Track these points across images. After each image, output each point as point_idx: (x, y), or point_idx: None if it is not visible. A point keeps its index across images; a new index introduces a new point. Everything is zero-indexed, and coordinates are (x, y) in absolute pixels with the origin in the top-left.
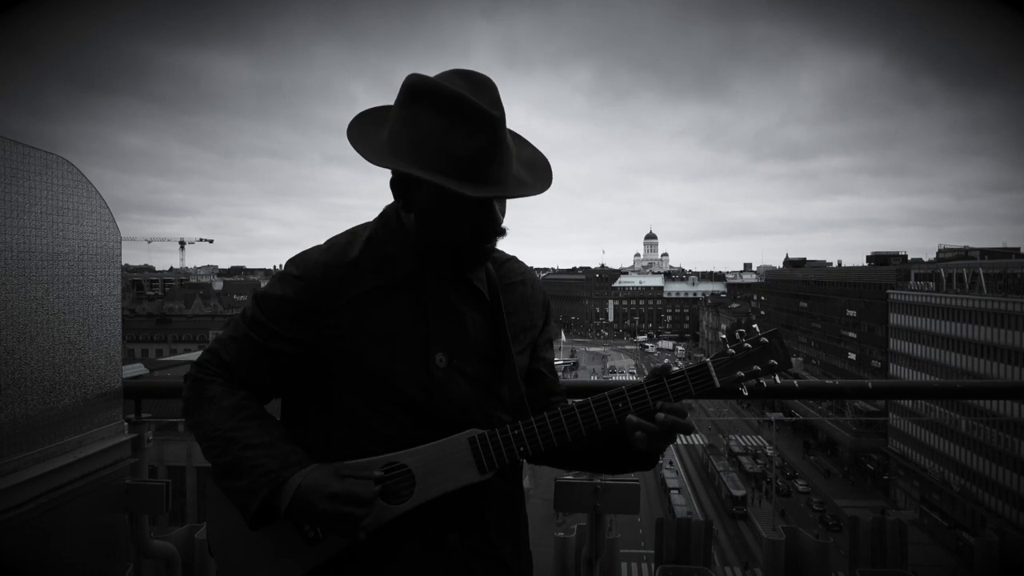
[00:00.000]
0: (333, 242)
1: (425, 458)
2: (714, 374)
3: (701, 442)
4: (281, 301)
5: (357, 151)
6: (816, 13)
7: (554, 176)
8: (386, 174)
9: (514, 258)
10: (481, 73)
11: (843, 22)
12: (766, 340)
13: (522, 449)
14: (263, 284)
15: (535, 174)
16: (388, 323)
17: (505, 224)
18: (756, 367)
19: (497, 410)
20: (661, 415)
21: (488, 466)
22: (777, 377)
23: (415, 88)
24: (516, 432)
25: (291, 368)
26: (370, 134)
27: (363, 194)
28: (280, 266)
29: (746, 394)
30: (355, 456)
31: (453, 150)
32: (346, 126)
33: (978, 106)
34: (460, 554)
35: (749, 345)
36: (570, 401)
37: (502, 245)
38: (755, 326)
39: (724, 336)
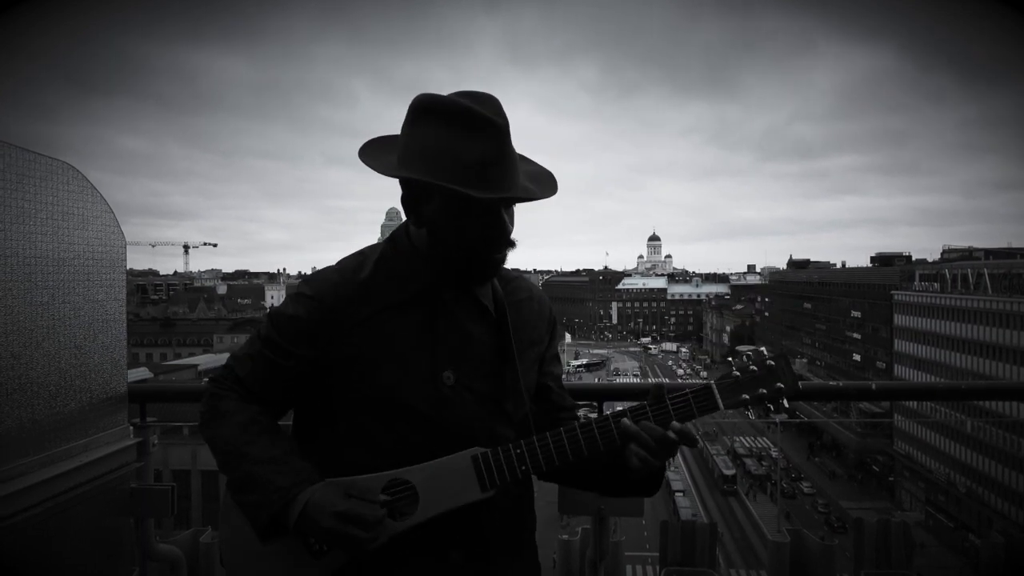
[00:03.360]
0: (344, 263)
1: (429, 475)
2: (718, 396)
3: (699, 441)
4: (293, 320)
5: (368, 165)
6: (828, 5)
7: (556, 175)
8: (388, 176)
9: (521, 276)
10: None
11: (856, 14)
12: (772, 363)
13: (523, 468)
14: (268, 291)
15: (540, 185)
16: (397, 342)
17: (515, 236)
18: (762, 390)
19: (503, 426)
20: (659, 432)
21: (490, 484)
22: (785, 402)
23: (421, 106)
24: (519, 451)
25: (303, 385)
26: (380, 153)
27: (364, 196)
28: (283, 269)
29: (753, 416)
30: (363, 471)
31: (460, 158)
32: (347, 125)
33: (992, 102)
34: (462, 572)
35: (755, 368)
36: (578, 417)
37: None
38: (762, 349)
39: (730, 359)
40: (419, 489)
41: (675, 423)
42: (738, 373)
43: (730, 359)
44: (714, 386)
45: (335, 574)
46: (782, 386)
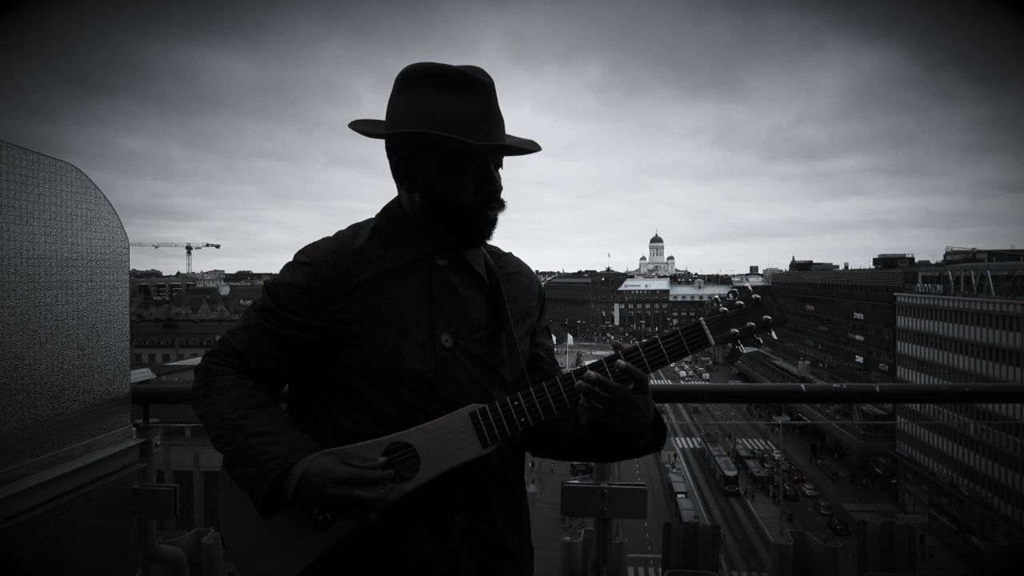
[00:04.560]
0: (339, 234)
1: (428, 435)
2: (708, 331)
3: (700, 444)
4: (291, 287)
5: (358, 131)
6: (835, 5)
7: (560, 177)
8: (391, 177)
9: (510, 253)
10: None
11: (863, 15)
12: (758, 296)
13: (523, 420)
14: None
15: (525, 144)
16: (395, 306)
17: (507, 213)
18: (750, 323)
19: (499, 391)
20: (593, 374)
21: (490, 439)
22: (774, 333)
23: (409, 74)
24: (516, 403)
25: (300, 354)
26: (369, 128)
27: (367, 197)
28: None
29: (744, 351)
30: (363, 438)
31: (451, 114)
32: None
33: (999, 102)
34: (465, 538)
35: (741, 303)
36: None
37: (505, 246)
38: (747, 284)
39: (718, 296)
40: (419, 450)
41: (579, 382)
42: (725, 309)
43: (717, 297)
44: (703, 322)
45: (339, 544)
46: (769, 318)
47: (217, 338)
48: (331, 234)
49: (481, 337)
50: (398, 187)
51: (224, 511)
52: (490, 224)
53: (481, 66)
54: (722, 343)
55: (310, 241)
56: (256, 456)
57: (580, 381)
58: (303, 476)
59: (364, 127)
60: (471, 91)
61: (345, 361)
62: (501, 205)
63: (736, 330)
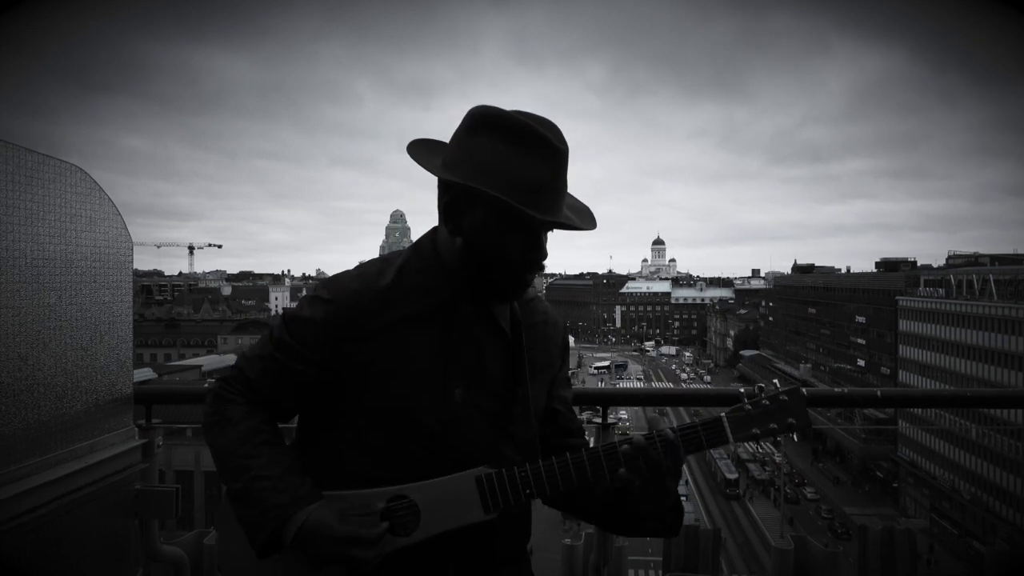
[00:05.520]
0: (364, 269)
1: (432, 494)
2: (728, 430)
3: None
4: (309, 323)
5: (419, 163)
6: (839, 5)
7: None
8: (393, 178)
9: (538, 297)
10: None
11: (866, 15)
12: (785, 397)
13: (528, 492)
14: (273, 292)
15: (580, 217)
16: (412, 354)
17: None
18: (773, 425)
19: (508, 448)
20: (629, 446)
21: (493, 507)
22: (795, 436)
23: (483, 116)
24: (523, 474)
25: (313, 390)
26: (428, 154)
27: (368, 197)
28: (288, 271)
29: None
30: (363, 482)
31: (519, 175)
32: (352, 126)
33: (1005, 104)
34: None
35: (767, 402)
36: (586, 441)
37: None
38: (776, 382)
39: (743, 390)
40: (421, 507)
41: (625, 447)
42: (749, 407)
43: (741, 389)
44: (725, 419)
45: None
46: (793, 422)
47: (233, 362)
48: (356, 267)
49: (494, 391)
50: (442, 225)
51: (223, 540)
52: (525, 286)
53: (483, 66)
54: (741, 441)
55: (311, 241)
56: (258, 501)
57: (626, 446)
58: (302, 526)
59: (422, 156)
60: (543, 155)
61: (356, 402)
62: (541, 270)
63: (757, 431)
